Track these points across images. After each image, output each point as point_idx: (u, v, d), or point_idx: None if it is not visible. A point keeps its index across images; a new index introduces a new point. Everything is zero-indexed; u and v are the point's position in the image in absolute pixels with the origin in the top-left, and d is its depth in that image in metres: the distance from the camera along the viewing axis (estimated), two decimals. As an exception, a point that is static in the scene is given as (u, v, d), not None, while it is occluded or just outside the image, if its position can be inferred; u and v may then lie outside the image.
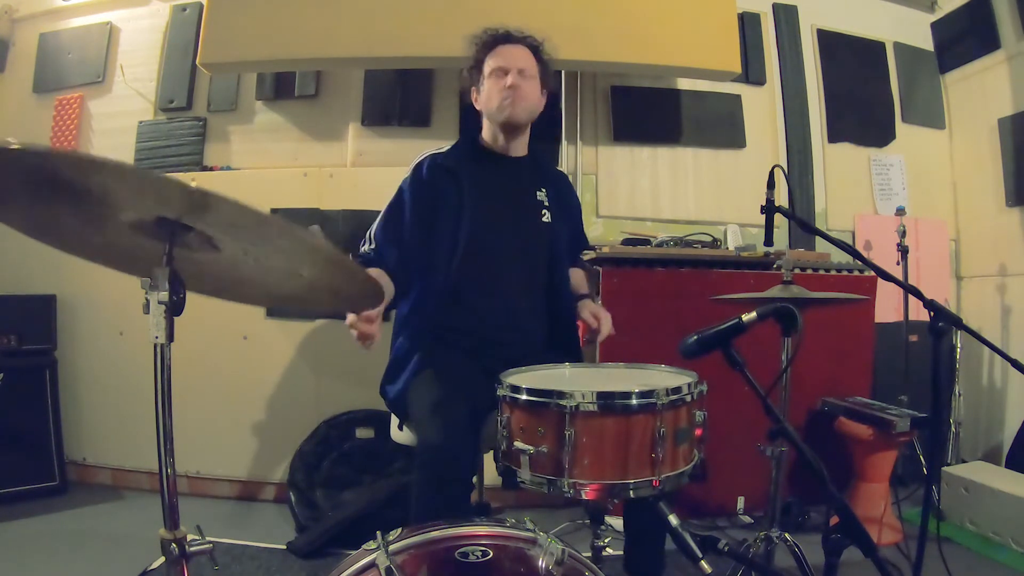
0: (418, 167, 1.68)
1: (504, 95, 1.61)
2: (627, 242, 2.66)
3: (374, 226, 1.67)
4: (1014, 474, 2.46)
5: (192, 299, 0.91)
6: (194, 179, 2.88)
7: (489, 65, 1.64)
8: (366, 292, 1.10)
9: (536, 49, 1.68)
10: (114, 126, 3.04)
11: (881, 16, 3.31)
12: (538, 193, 1.72)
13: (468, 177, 1.64)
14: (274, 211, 2.80)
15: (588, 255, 2.25)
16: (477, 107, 1.71)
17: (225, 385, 2.79)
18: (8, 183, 0.82)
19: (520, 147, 1.73)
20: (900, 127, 3.27)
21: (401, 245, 1.61)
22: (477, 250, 1.61)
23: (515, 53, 1.64)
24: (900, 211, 2.77)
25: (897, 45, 3.30)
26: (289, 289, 1.08)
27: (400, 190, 1.67)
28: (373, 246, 1.64)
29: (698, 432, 1.13)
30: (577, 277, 1.84)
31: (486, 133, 1.73)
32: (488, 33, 1.68)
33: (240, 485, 2.79)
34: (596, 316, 1.64)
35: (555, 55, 1.75)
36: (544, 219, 1.71)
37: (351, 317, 1.37)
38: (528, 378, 1.23)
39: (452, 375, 1.51)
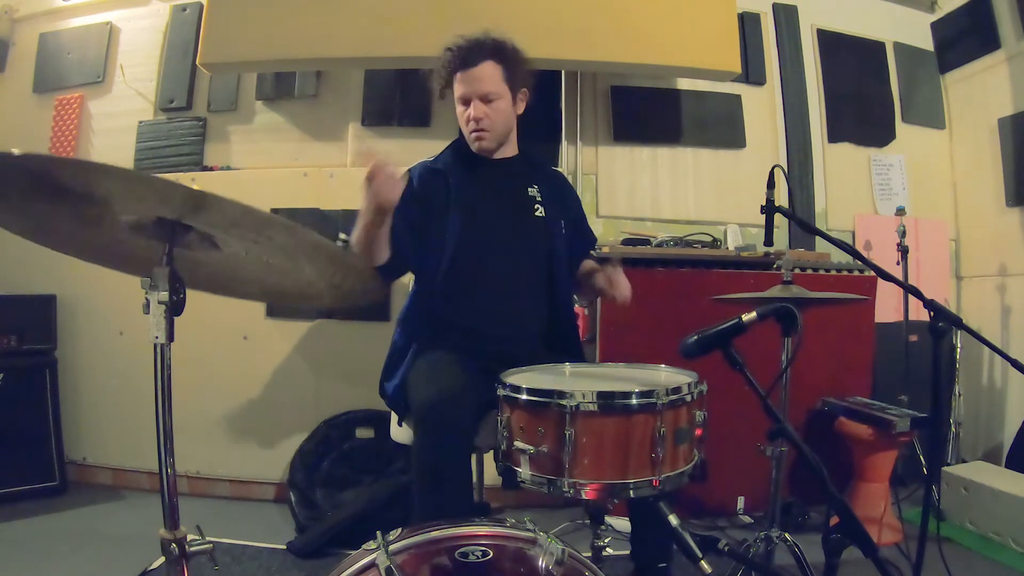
0: (409, 172, 1.70)
1: (470, 129, 1.62)
2: (627, 242, 2.66)
3: None
4: (1014, 474, 2.46)
5: (192, 299, 0.91)
6: (194, 179, 2.89)
7: (456, 90, 1.63)
8: (367, 286, 1.11)
9: (501, 54, 1.61)
10: (114, 126, 3.03)
11: (881, 16, 3.31)
12: (529, 189, 1.73)
13: (456, 178, 1.66)
14: (274, 211, 2.79)
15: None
16: None
17: (225, 385, 2.79)
18: (8, 188, 0.82)
19: (507, 150, 1.73)
20: (900, 127, 3.26)
21: (392, 240, 1.61)
22: (468, 248, 1.61)
23: (477, 75, 1.58)
24: (900, 211, 2.77)
25: (897, 45, 3.30)
26: (290, 285, 1.09)
27: None
28: None
29: (698, 432, 1.13)
30: (588, 263, 1.81)
31: None
32: (447, 57, 1.63)
33: (240, 485, 2.79)
34: (612, 281, 1.56)
35: (555, 55, 1.73)
36: (537, 213, 1.71)
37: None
38: (528, 378, 1.23)
39: (450, 367, 1.51)
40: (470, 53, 1.60)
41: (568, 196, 1.86)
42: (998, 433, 2.99)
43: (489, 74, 1.59)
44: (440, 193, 1.65)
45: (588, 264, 1.80)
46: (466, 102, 1.61)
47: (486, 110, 1.60)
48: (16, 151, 0.72)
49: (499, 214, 1.68)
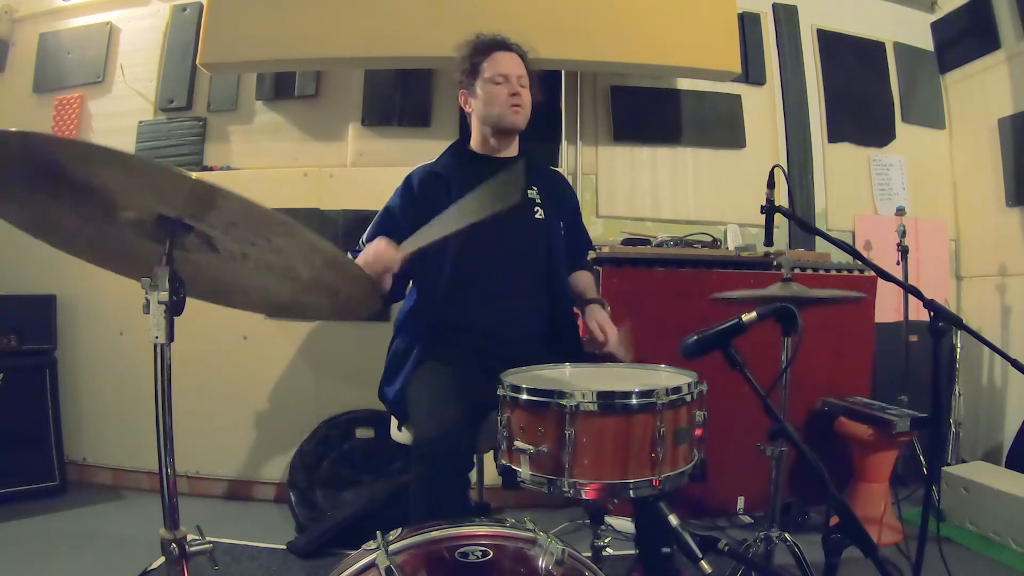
0: (409, 178, 1.72)
1: (511, 103, 1.65)
2: (627, 242, 2.65)
3: (365, 234, 1.69)
4: (1014, 474, 2.46)
5: (192, 299, 0.91)
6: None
7: (488, 70, 1.67)
8: (364, 292, 1.10)
9: (526, 58, 1.72)
10: (114, 126, 3.03)
11: (881, 16, 3.31)
12: (528, 191, 1.73)
13: (457, 181, 1.67)
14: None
15: (590, 255, 2.25)
16: (467, 110, 1.74)
17: (225, 385, 2.78)
18: (10, 175, 0.82)
19: (511, 149, 1.75)
20: (900, 127, 3.27)
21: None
22: (469, 250, 1.61)
23: (514, 61, 1.68)
24: (900, 211, 2.77)
25: (897, 45, 3.30)
26: (288, 294, 1.09)
27: (392, 199, 1.72)
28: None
29: (698, 432, 1.13)
30: (585, 280, 1.82)
31: (476, 137, 1.75)
32: (484, 38, 1.70)
33: (240, 485, 2.79)
34: (603, 328, 1.60)
35: (555, 55, 1.75)
36: (536, 216, 1.71)
37: None
38: (528, 378, 1.23)
39: (451, 371, 1.51)
40: (505, 41, 1.70)
41: (566, 198, 1.86)
42: (998, 433, 2.99)
43: (521, 63, 1.70)
44: (441, 198, 1.64)
45: (583, 282, 1.80)
46: (507, 78, 1.66)
47: (523, 89, 1.67)
48: (14, 129, 0.72)
49: (499, 217, 1.68)
